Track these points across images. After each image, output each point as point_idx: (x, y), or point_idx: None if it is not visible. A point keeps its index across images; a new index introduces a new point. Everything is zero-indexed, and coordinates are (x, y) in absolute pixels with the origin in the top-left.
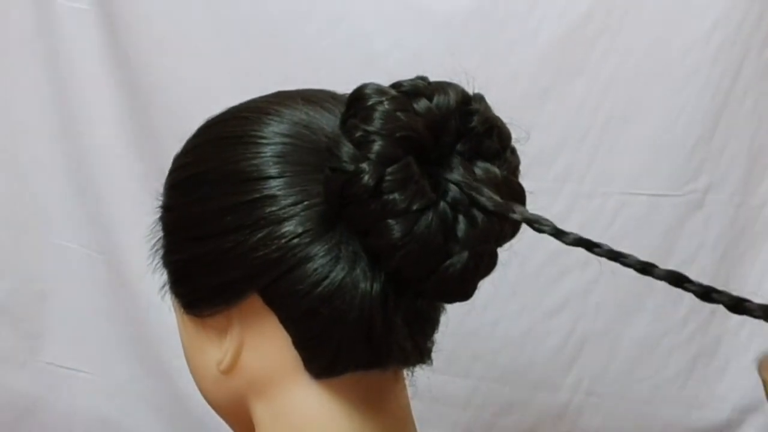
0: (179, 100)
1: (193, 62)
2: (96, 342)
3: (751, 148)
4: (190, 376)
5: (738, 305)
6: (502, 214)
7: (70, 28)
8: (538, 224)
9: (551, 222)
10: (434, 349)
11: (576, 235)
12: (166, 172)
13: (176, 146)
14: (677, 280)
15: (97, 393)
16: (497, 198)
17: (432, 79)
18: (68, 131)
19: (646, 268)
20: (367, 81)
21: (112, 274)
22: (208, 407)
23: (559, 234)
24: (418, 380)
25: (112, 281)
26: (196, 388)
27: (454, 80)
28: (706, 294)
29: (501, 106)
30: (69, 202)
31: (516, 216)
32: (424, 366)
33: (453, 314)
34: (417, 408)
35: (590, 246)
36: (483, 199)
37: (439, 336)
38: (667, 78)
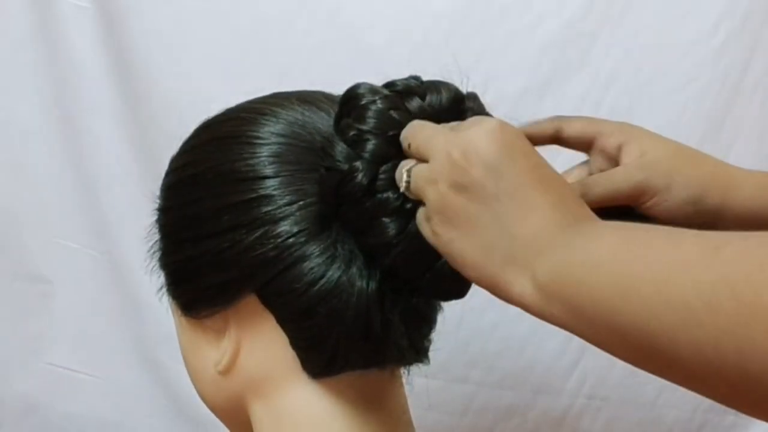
0: (179, 98)
1: (192, 61)
2: (97, 344)
3: (761, 146)
4: (189, 379)
5: None
6: None
7: (69, 26)
8: None
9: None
10: (431, 353)
11: None
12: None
13: (175, 145)
14: None
15: (97, 395)
16: None
17: (429, 76)
18: (69, 129)
19: None
20: (361, 78)
21: (113, 275)
22: (208, 411)
23: None
24: (415, 387)
25: (113, 282)
26: (195, 391)
27: (450, 78)
28: None
29: (499, 103)
30: (71, 202)
31: None
32: (421, 370)
33: (450, 317)
34: (414, 415)
35: None
36: None
37: (436, 340)
38: (670, 73)
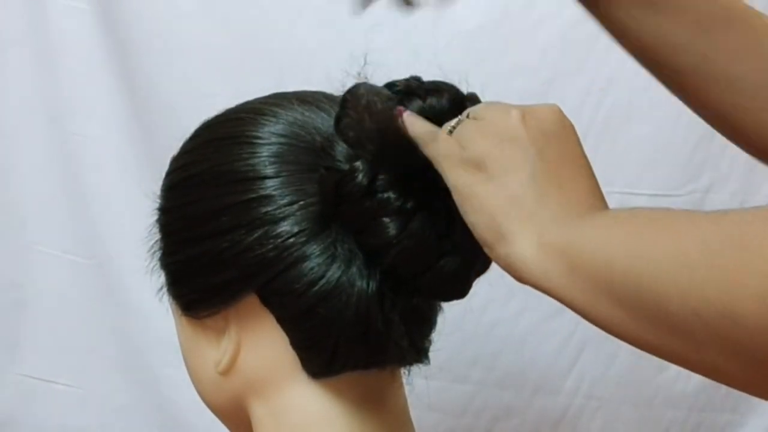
0: (177, 100)
1: (190, 62)
2: (76, 352)
3: None
4: (179, 385)
5: None
6: None
7: (67, 28)
8: None
9: None
10: (431, 353)
11: None
12: (163, 174)
13: (174, 147)
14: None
15: (76, 406)
16: None
17: (429, 77)
18: (57, 132)
19: None
20: (361, 79)
21: (98, 281)
22: (198, 415)
23: None
24: (415, 387)
25: (98, 288)
26: (185, 396)
27: (450, 79)
28: None
29: None
30: (55, 206)
31: None
32: (420, 370)
33: (450, 317)
34: (414, 415)
35: None
36: None
37: (435, 340)
38: None
